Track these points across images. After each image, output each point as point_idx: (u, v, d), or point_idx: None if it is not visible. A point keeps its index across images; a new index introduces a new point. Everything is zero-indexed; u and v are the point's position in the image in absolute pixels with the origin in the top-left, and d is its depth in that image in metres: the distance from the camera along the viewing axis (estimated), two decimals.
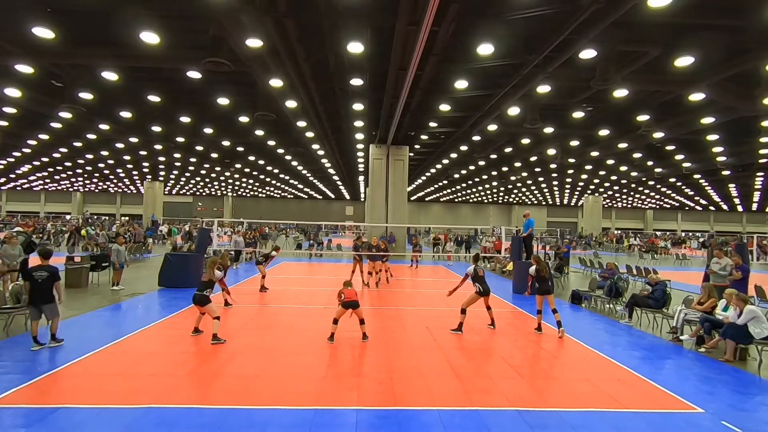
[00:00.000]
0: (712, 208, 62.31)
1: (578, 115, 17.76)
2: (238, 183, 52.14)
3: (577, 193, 52.25)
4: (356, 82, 14.74)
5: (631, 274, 15.62)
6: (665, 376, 6.20)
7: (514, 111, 17.11)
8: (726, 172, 31.49)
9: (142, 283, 13.12)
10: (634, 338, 8.34)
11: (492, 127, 20.26)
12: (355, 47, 11.65)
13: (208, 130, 22.66)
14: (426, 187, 50.79)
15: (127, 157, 33.20)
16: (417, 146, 26.32)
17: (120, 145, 27.77)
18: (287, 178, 44.80)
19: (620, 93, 14.36)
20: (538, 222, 46.57)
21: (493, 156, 28.54)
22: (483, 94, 16.05)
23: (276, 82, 14.14)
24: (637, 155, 26.60)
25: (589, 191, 48.73)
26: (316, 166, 36.28)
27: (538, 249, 19.80)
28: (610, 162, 29.03)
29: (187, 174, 44.40)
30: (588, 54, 11.43)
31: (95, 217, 57.38)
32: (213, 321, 7.29)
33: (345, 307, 7.45)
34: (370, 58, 12.92)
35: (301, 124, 20.54)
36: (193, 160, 33.39)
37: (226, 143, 26.38)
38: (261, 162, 34.22)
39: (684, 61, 11.69)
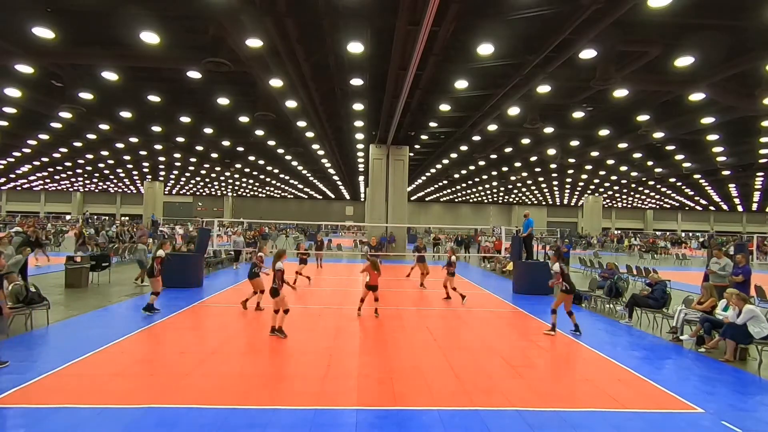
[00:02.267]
0: (712, 208, 62.31)
1: (578, 115, 17.76)
2: (238, 183, 52.15)
3: (577, 193, 52.26)
4: (356, 82, 14.74)
5: (631, 274, 15.60)
6: (665, 376, 6.19)
7: (514, 111, 17.11)
8: (726, 172, 31.49)
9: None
10: (634, 338, 8.34)
11: (492, 127, 20.26)
12: (355, 47, 11.65)
13: (208, 130, 22.66)
14: (426, 187, 50.79)
15: (127, 157, 33.22)
16: (417, 146, 26.32)
17: (120, 145, 27.78)
18: (287, 178, 44.81)
19: (620, 93, 14.37)
20: (538, 222, 46.64)
21: (493, 156, 28.56)
22: (483, 94, 16.06)
23: (276, 82, 14.14)
24: (637, 155, 26.61)
25: (589, 191, 48.74)
26: (316, 166, 36.29)
27: (538, 249, 19.80)
28: (610, 162, 29.04)
29: (187, 174, 44.41)
30: (588, 54, 11.43)
31: (95, 217, 57.36)
32: (281, 313, 7.57)
33: (368, 288, 9.37)
34: (370, 58, 12.92)
35: (301, 124, 20.55)
36: (193, 160, 33.40)
37: (226, 143, 26.39)
38: (261, 162, 34.24)
39: (684, 61, 11.69)
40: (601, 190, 47.40)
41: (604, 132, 20.49)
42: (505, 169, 34.13)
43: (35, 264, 15.41)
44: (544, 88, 14.41)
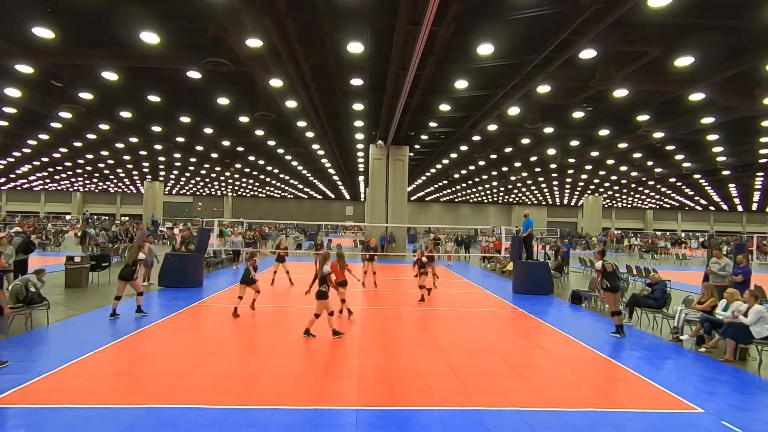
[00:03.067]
0: (712, 208, 62.30)
1: (578, 115, 17.76)
2: (238, 183, 52.13)
3: (577, 193, 52.24)
4: (356, 82, 14.74)
5: (631, 274, 15.60)
6: (665, 376, 6.19)
7: (514, 111, 17.11)
8: (726, 172, 31.49)
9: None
10: (634, 338, 8.33)
11: (492, 127, 20.26)
12: (355, 47, 11.66)
13: (208, 130, 22.66)
14: (426, 187, 50.78)
15: (127, 157, 33.22)
16: (417, 146, 26.33)
17: (120, 145, 27.78)
18: (287, 178, 44.80)
19: (620, 93, 14.37)
20: (538, 222, 46.64)
21: (493, 156, 28.56)
22: (483, 94, 16.06)
23: (276, 82, 14.14)
24: (637, 155, 26.61)
25: (589, 191, 48.73)
26: (316, 166, 36.29)
27: (537, 249, 19.81)
28: (610, 162, 29.04)
29: (187, 174, 44.39)
30: (588, 54, 11.43)
31: (95, 217, 57.36)
32: (312, 317, 7.53)
33: (338, 285, 8.84)
34: (370, 58, 12.92)
35: (301, 124, 20.55)
36: (193, 160, 33.40)
37: (226, 143, 26.40)
38: (261, 162, 34.24)
39: (684, 61, 11.69)
40: (601, 190, 47.39)
41: (604, 132, 20.49)
42: (505, 169, 34.12)
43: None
44: (544, 88, 14.41)
